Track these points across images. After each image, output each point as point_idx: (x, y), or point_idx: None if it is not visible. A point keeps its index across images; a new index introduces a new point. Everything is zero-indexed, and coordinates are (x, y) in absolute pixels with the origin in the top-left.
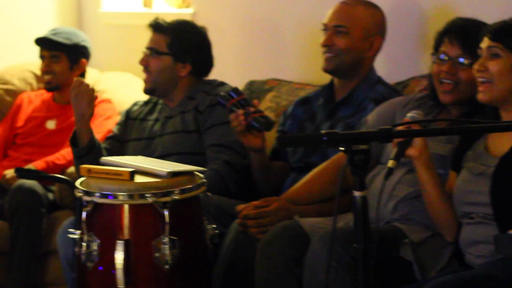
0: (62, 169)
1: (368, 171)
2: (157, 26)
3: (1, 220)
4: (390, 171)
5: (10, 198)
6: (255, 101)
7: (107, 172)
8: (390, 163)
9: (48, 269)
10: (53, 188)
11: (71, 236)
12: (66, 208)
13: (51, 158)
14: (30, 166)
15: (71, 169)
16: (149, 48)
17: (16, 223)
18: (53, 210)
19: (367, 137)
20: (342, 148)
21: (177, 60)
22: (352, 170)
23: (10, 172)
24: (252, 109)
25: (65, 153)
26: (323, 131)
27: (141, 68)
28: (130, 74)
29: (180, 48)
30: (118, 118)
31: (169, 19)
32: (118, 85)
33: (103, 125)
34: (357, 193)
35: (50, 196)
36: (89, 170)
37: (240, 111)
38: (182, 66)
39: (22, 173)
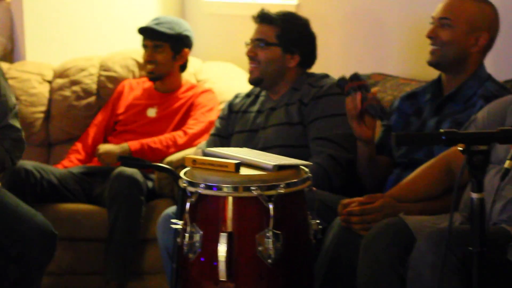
0: (156, 153)
1: (485, 172)
2: (264, 17)
3: (101, 207)
4: (507, 172)
5: (110, 185)
6: (375, 89)
7: (212, 164)
8: (507, 163)
9: (145, 257)
10: (153, 176)
11: (173, 226)
12: (165, 196)
13: (146, 140)
14: (125, 145)
15: (170, 157)
16: (257, 39)
17: (115, 210)
18: (152, 199)
19: (488, 137)
20: (461, 148)
21: (286, 51)
22: (470, 171)
23: (103, 147)
24: (370, 95)
25: (163, 138)
26: (441, 130)
27: (243, 58)
28: (232, 64)
29: (289, 39)
30: (219, 109)
31: (273, 10)
32: (220, 75)
33: (206, 116)
34: (474, 195)
35: (149, 184)
36: (194, 161)
37: (358, 95)
38: (291, 57)
39: (125, 160)
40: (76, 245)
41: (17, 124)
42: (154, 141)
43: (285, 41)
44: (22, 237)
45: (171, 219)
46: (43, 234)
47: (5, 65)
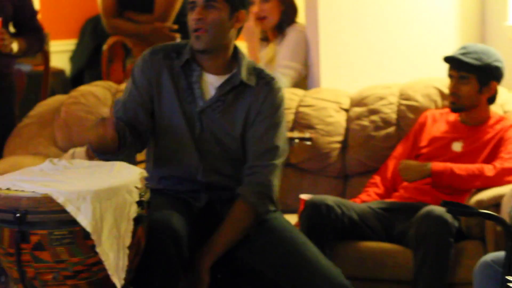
0: (458, 181)
1: None
2: None
3: (403, 247)
4: None
5: (417, 225)
6: None
7: None
8: None
9: None
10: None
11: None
12: (473, 238)
13: (451, 164)
14: (427, 164)
15: (480, 195)
16: None
17: (423, 252)
18: (458, 239)
19: None
20: None
21: None
22: None
23: (404, 162)
24: None
25: (470, 167)
26: None
27: None
28: None
29: None
30: None
31: None
32: None
33: None
34: None
35: (456, 223)
36: None
37: None
38: None
39: (450, 207)
40: (379, 286)
41: None
42: (460, 167)
43: None
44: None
45: (490, 267)
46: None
47: (300, 92)
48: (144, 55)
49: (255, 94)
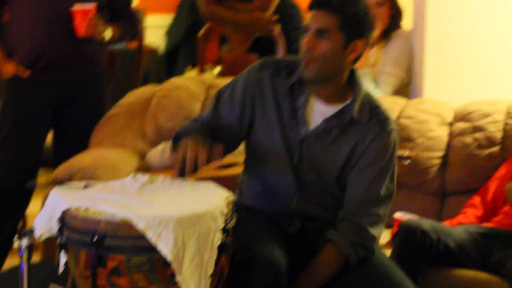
0: None
1: None
2: None
3: (501, 279)
4: None
5: None
6: None
7: None
8: None
9: None
10: None
11: None
12: None
13: None
14: None
15: None
16: None
17: None
18: None
19: None
20: None
21: None
22: None
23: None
24: None
25: None
26: None
27: None
28: None
29: None
30: None
31: None
32: None
33: None
34: None
35: None
36: None
37: None
38: None
39: None
40: None
41: None
42: None
43: None
44: None
45: None
46: None
47: (401, 101)
48: (252, 67)
49: (365, 131)
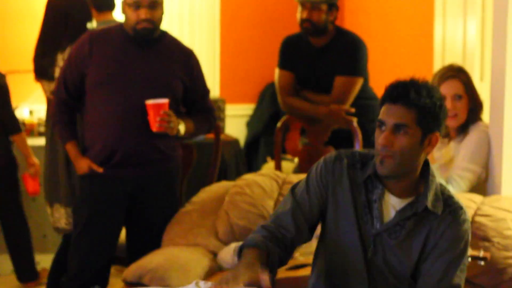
0: None
1: None
2: None
3: None
4: None
5: None
6: None
7: None
8: None
9: None
10: None
11: None
12: None
13: None
14: None
15: None
16: None
17: None
18: None
19: None
20: None
21: None
22: None
23: None
24: None
25: None
26: None
27: None
28: None
29: None
30: None
31: None
32: None
33: None
34: None
35: None
36: None
37: None
38: None
39: None
40: None
41: None
42: None
43: None
44: None
45: None
46: None
47: (477, 199)
48: (327, 158)
49: (437, 222)
